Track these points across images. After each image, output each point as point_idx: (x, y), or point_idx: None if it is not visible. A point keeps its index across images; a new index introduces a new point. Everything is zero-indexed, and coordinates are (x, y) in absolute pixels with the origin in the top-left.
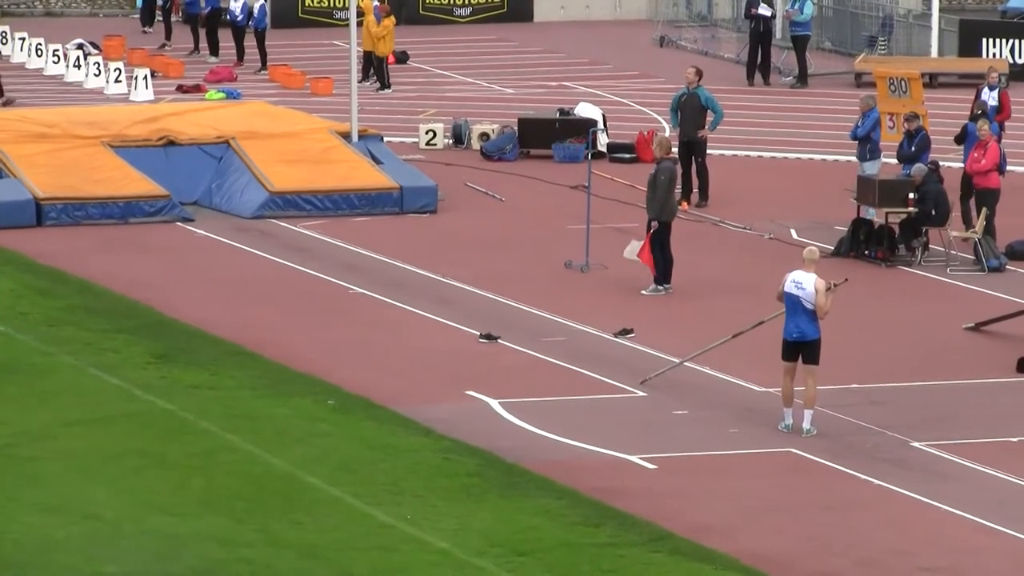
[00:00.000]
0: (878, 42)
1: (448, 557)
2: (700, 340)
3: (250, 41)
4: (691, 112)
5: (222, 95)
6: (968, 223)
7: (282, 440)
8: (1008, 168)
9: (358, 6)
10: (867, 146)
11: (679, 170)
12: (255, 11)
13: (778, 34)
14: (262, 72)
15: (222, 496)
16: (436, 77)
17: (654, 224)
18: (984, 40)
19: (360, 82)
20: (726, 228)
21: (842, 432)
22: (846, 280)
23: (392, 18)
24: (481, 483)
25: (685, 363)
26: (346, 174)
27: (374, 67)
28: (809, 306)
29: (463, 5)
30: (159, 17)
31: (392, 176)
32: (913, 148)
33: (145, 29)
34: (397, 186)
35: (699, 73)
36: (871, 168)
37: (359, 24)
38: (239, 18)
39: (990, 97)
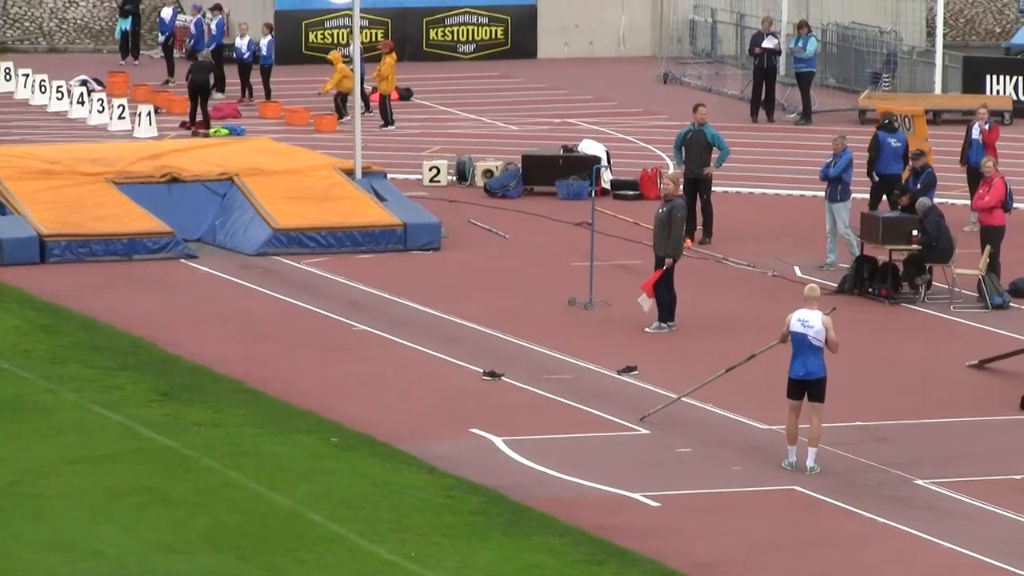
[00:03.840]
0: (882, 79)
1: None
2: (704, 377)
3: (255, 77)
4: (697, 149)
5: (226, 131)
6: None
7: (286, 477)
8: (1014, 205)
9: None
10: (838, 187)
11: None
12: (263, 47)
13: (782, 70)
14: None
15: (226, 533)
16: (440, 114)
17: (668, 261)
18: (988, 77)
19: (343, 119)
20: (729, 265)
21: (846, 470)
22: (834, 309)
23: (393, 55)
24: (484, 521)
25: (682, 399)
26: (350, 211)
27: (380, 105)
28: (817, 344)
29: (467, 41)
30: (160, 53)
31: (396, 213)
32: (919, 185)
33: (122, 62)
34: (401, 223)
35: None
36: (841, 210)
37: (366, 61)
38: (246, 55)
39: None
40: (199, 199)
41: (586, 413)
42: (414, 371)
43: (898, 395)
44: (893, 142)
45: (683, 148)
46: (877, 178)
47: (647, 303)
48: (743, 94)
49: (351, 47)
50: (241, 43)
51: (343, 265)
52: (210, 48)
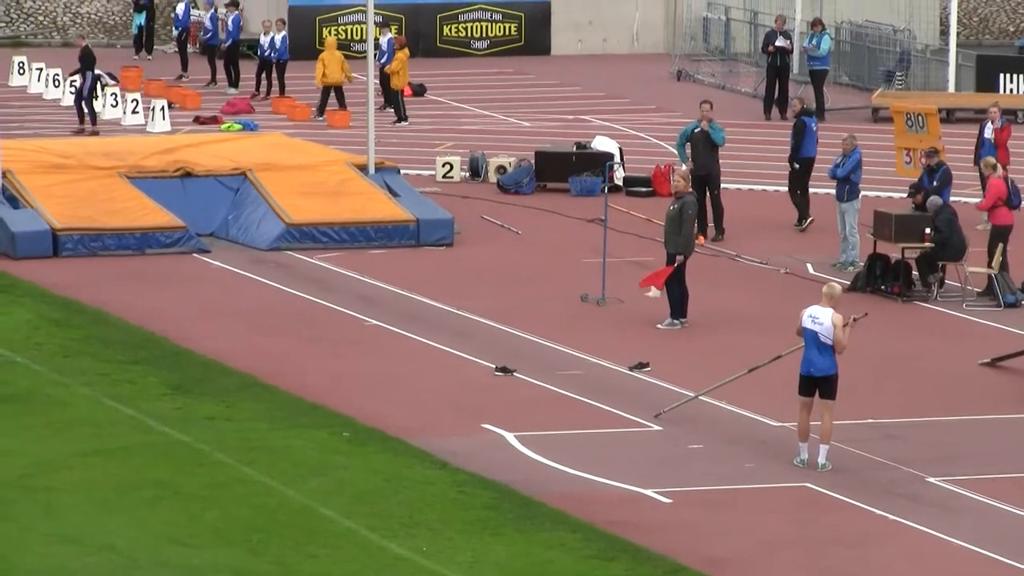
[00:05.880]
0: (895, 77)
1: None
2: (716, 374)
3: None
4: (706, 146)
5: (239, 127)
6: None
7: (297, 472)
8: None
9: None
10: (846, 187)
11: None
12: (277, 43)
13: (795, 68)
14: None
15: (237, 528)
16: (453, 110)
17: (679, 258)
18: (1001, 75)
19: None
20: (742, 262)
21: (857, 467)
22: (866, 314)
23: (406, 50)
24: (496, 516)
25: (700, 397)
26: (363, 206)
27: (393, 101)
28: (827, 341)
29: (480, 38)
30: (174, 48)
31: (409, 209)
32: (935, 183)
33: (135, 57)
34: (414, 219)
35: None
36: (849, 209)
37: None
38: (267, 53)
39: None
40: (212, 194)
41: (598, 409)
42: (426, 366)
43: (910, 393)
44: (813, 126)
45: (690, 145)
46: (797, 165)
47: (653, 294)
48: (756, 91)
49: (387, 38)
50: (265, 40)
51: (356, 260)
52: (227, 44)
